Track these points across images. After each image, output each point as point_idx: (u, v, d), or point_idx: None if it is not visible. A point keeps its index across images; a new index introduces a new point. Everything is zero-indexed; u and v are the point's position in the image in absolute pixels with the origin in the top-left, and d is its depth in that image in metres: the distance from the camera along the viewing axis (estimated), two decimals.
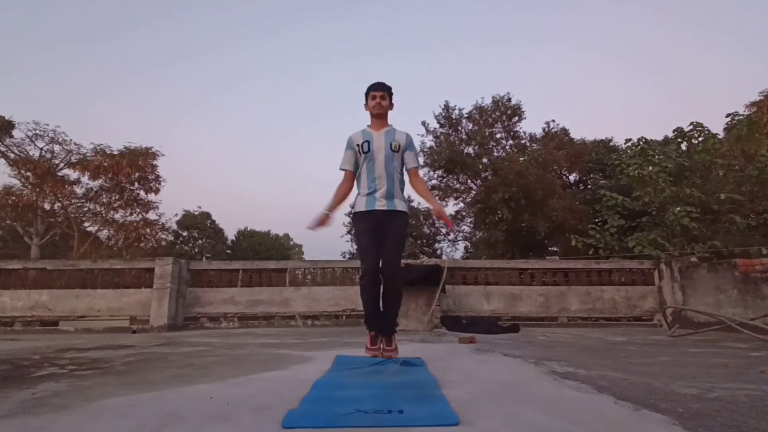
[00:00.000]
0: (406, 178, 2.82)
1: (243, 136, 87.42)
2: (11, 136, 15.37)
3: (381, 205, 2.63)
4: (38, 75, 56.24)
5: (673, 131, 10.55)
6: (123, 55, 60.46)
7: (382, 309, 2.68)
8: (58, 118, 45.21)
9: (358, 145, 2.69)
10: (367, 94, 2.75)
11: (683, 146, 10.35)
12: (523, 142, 17.83)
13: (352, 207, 2.80)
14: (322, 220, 2.71)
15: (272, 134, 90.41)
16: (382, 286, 2.66)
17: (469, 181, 17.11)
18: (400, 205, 2.68)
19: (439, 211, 2.71)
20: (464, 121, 17.59)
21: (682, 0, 74.12)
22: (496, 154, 17.00)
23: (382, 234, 2.61)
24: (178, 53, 75.01)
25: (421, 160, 17.71)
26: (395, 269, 2.66)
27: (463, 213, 17.99)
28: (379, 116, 2.73)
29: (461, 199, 17.49)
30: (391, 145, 2.65)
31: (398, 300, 2.72)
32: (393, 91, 2.80)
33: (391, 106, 2.79)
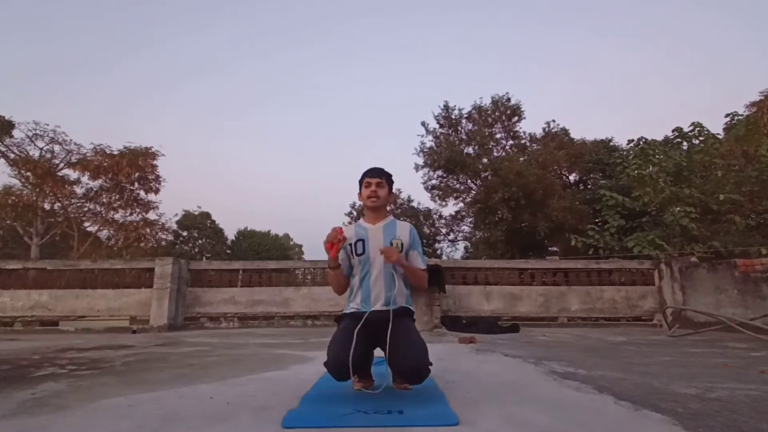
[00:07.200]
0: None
1: (250, 136, 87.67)
2: (11, 136, 15.36)
3: (379, 306, 2.03)
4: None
5: (673, 131, 10.57)
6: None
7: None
8: (62, 119, 45.39)
9: (350, 245, 2.09)
10: (361, 182, 2.19)
11: (683, 146, 10.37)
12: (523, 142, 17.80)
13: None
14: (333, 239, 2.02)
15: (282, 135, 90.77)
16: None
17: (469, 181, 17.08)
18: (402, 303, 2.09)
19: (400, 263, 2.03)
20: (464, 121, 17.58)
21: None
22: (495, 154, 16.98)
23: (380, 338, 1.93)
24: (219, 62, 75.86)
25: (420, 160, 17.99)
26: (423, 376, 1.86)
27: (463, 213, 17.98)
28: (375, 209, 2.16)
29: (461, 199, 17.46)
30: (391, 243, 2.06)
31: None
32: (392, 179, 2.22)
33: (390, 196, 2.22)
